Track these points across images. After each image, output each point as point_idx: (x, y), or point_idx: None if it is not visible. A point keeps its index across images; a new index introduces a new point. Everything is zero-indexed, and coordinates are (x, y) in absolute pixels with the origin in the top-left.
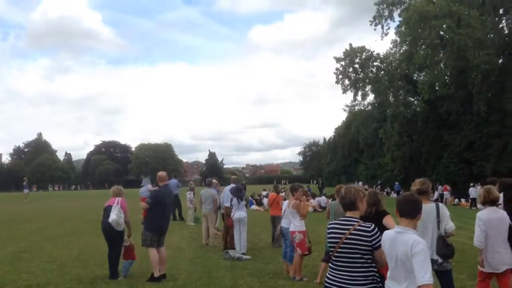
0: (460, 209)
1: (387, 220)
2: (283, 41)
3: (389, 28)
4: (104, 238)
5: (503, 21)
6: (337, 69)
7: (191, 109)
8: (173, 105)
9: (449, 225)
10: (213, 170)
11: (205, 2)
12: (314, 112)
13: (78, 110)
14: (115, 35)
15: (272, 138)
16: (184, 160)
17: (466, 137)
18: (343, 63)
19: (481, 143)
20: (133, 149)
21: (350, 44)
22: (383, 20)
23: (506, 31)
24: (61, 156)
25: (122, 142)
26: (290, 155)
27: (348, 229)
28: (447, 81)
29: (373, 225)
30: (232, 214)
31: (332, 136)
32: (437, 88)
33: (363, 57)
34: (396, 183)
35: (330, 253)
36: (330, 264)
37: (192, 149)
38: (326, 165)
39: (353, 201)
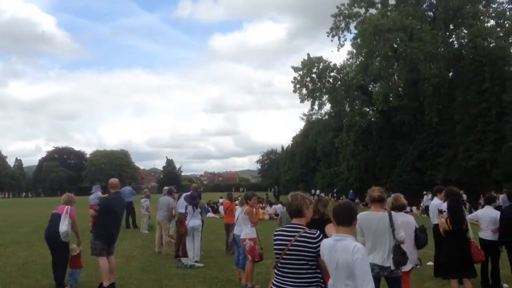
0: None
1: (329, 229)
2: (242, 50)
3: (345, 40)
4: (48, 246)
5: (453, 36)
6: (295, 78)
7: (149, 116)
8: (130, 112)
9: (400, 233)
10: (170, 177)
11: (164, 9)
12: (272, 120)
13: (30, 115)
14: (71, 40)
15: (231, 146)
16: (141, 167)
17: (418, 146)
18: (300, 72)
19: (432, 153)
20: (87, 155)
21: (308, 54)
22: (340, 32)
23: (456, 46)
24: (11, 162)
25: (77, 148)
26: (248, 163)
27: (293, 236)
28: (400, 92)
29: (318, 232)
30: (186, 221)
31: (290, 144)
32: (391, 99)
33: (320, 67)
34: (350, 191)
35: (276, 260)
36: (275, 271)
37: (149, 156)
38: (284, 173)
39: (300, 208)
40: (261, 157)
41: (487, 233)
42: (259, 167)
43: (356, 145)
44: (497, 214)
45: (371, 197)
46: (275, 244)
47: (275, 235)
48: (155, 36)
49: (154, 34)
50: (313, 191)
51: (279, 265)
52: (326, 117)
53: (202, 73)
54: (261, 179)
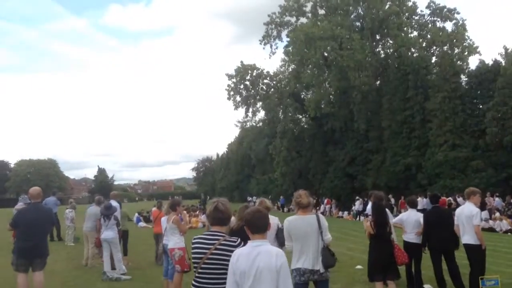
0: (343, 221)
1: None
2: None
3: (277, 48)
4: None
5: (380, 46)
6: (228, 85)
7: (79, 124)
8: (58, 119)
9: (327, 236)
10: (102, 187)
11: (93, 14)
12: (208, 127)
13: None
14: None
15: (166, 154)
16: (71, 177)
17: (349, 153)
18: (234, 80)
19: (362, 159)
20: (12, 165)
21: (242, 62)
22: (272, 40)
23: (382, 55)
24: None
25: None
26: (184, 171)
27: (213, 244)
28: (331, 99)
29: (239, 240)
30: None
31: (225, 151)
32: (322, 106)
33: (254, 74)
34: (281, 197)
35: (194, 269)
36: (193, 281)
37: (80, 166)
38: (219, 180)
39: (227, 216)
40: (196, 165)
41: (411, 236)
42: (195, 175)
43: (289, 152)
44: (420, 216)
45: (300, 204)
46: (194, 252)
47: (193, 243)
48: (83, 41)
49: (83, 38)
50: (248, 198)
51: (196, 274)
52: (260, 124)
53: (134, 80)
54: (197, 187)
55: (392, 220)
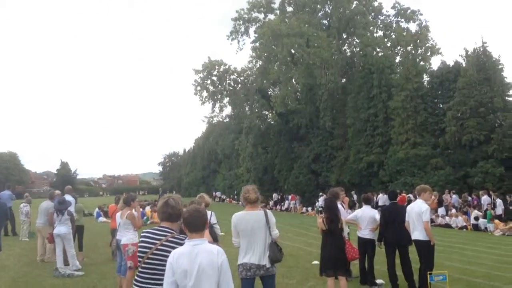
0: (306, 217)
1: (206, 234)
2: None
3: (244, 44)
4: None
5: (346, 45)
6: (195, 81)
7: (41, 117)
8: (19, 112)
9: (274, 231)
10: (64, 181)
11: None
12: (177, 122)
13: None
14: None
15: (133, 148)
16: (33, 170)
17: (314, 149)
18: (201, 75)
19: (326, 155)
20: None
21: (209, 57)
22: (239, 36)
23: (348, 54)
24: None
25: None
26: (150, 166)
27: (160, 240)
28: (298, 96)
29: (187, 238)
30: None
31: (192, 146)
32: (289, 102)
33: (221, 70)
34: None
35: (139, 263)
36: (135, 276)
37: (43, 159)
38: (186, 175)
39: (177, 212)
40: (163, 160)
41: (365, 232)
42: (161, 169)
43: (255, 148)
44: (375, 213)
45: (248, 199)
46: (139, 246)
47: (141, 236)
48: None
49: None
50: (214, 193)
51: (140, 269)
52: (227, 119)
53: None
54: (163, 181)
55: (347, 216)
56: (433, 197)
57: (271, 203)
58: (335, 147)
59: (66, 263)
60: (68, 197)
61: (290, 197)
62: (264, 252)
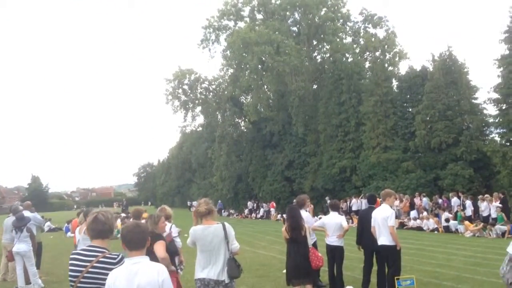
0: (280, 224)
1: (157, 247)
2: (117, 57)
3: (215, 52)
4: None
5: (316, 51)
6: (167, 90)
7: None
8: None
9: (234, 245)
10: (35, 195)
11: None
12: (152, 133)
13: None
14: None
15: (106, 159)
16: (4, 186)
17: (287, 156)
18: (172, 84)
19: (300, 162)
20: None
21: (179, 66)
22: (210, 44)
23: (319, 60)
24: None
25: None
26: (125, 177)
27: (90, 261)
28: (270, 103)
29: (120, 256)
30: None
31: (166, 157)
32: (261, 110)
33: (192, 78)
34: (219, 201)
35: (71, 287)
36: None
37: (14, 174)
38: (160, 186)
39: (108, 228)
40: (137, 171)
41: (332, 239)
42: (136, 180)
43: (229, 156)
44: (341, 219)
45: (199, 212)
46: (70, 270)
47: (70, 259)
48: None
49: None
50: (189, 203)
51: None
52: (200, 128)
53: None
54: (138, 192)
55: (314, 224)
56: (404, 200)
57: (246, 211)
58: (308, 154)
59: (28, 281)
60: (26, 213)
61: (268, 204)
62: (223, 267)
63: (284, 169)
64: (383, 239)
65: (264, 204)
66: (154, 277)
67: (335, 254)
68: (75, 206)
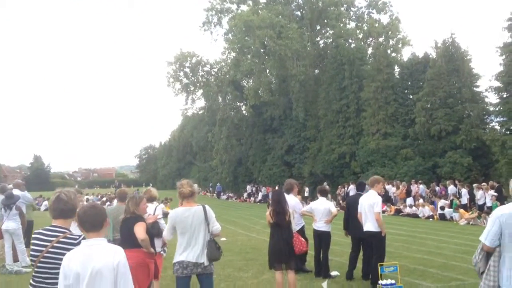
0: None
1: (137, 228)
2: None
3: (218, 35)
4: None
5: (319, 36)
6: (168, 72)
7: (14, 111)
8: None
9: (216, 226)
10: (38, 174)
11: None
12: (155, 115)
13: None
14: None
15: (110, 140)
16: (6, 164)
17: (287, 141)
18: (173, 67)
19: (300, 147)
20: None
21: (181, 49)
22: (212, 27)
23: (321, 45)
24: None
25: None
26: (128, 159)
27: (51, 241)
28: (271, 88)
29: (82, 237)
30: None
31: (168, 139)
32: (262, 94)
33: (193, 61)
34: (218, 184)
35: (32, 266)
36: (31, 280)
37: (16, 153)
38: (162, 168)
39: (71, 208)
40: (139, 152)
41: (320, 224)
42: (138, 162)
43: (229, 140)
44: (330, 205)
45: (182, 193)
46: (31, 249)
47: (32, 237)
48: None
49: None
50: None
51: (33, 273)
52: (201, 111)
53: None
54: (140, 174)
55: (302, 208)
56: (401, 187)
57: (245, 195)
58: (308, 139)
59: (16, 259)
60: (16, 192)
61: (265, 189)
62: (203, 250)
63: (284, 154)
64: (369, 225)
65: (263, 188)
66: (109, 259)
67: (322, 239)
68: (76, 186)
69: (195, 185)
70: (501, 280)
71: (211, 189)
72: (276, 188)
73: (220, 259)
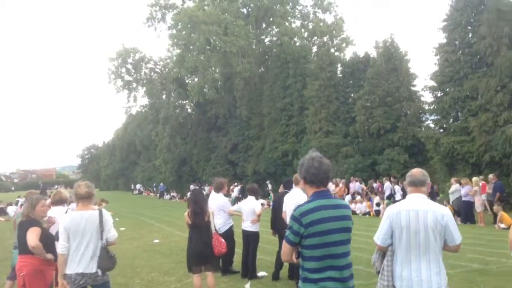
0: None
1: (29, 234)
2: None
3: (161, 31)
4: None
5: (264, 34)
6: (109, 69)
7: None
8: None
9: (111, 233)
10: None
11: None
12: (98, 113)
13: None
14: None
15: (49, 140)
16: None
17: (231, 139)
18: (115, 63)
19: (244, 145)
20: None
21: (123, 44)
22: (156, 23)
23: (267, 43)
24: None
25: None
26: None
27: None
28: (216, 85)
29: None
30: None
31: (111, 138)
32: (206, 91)
33: (136, 58)
34: (161, 184)
35: None
36: None
37: None
38: (104, 168)
39: None
40: (82, 152)
41: (246, 224)
42: (80, 162)
43: (173, 138)
44: (257, 204)
45: (78, 194)
46: None
47: None
48: None
49: None
50: (133, 186)
51: None
52: (145, 109)
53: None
54: (82, 174)
55: (230, 208)
56: (340, 184)
57: (188, 194)
58: (252, 137)
59: None
60: None
61: (208, 188)
62: (95, 259)
63: (228, 153)
64: None
65: (206, 188)
66: None
67: (249, 240)
68: (12, 188)
69: (94, 187)
70: (394, 280)
71: (155, 189)
72: (191, 187)
73: (114, 268)
